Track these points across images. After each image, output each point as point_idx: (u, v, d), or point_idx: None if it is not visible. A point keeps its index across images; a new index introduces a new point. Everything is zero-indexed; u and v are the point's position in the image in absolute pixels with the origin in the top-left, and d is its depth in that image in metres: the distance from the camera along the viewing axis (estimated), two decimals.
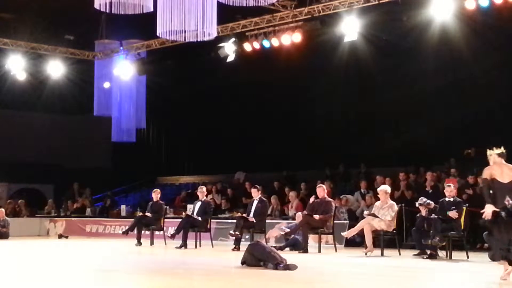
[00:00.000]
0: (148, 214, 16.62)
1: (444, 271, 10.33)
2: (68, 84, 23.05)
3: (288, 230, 14.80)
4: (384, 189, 13.54)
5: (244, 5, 11.78)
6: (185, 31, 11.71)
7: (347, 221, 16.27)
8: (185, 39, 12.44)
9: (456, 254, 12.39)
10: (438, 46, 17.65)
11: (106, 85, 22.98)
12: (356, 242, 15.41)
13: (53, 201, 23.90)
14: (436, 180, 16.14)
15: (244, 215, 15.23)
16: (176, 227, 15.95)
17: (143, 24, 15.37)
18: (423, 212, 12.92)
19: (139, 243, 16.06)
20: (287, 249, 14.50)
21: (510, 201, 8.29)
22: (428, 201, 12.93)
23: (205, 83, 23.40)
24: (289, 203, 17.98)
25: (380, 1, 16.31)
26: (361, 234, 13.56)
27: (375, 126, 20.97)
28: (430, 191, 15.20)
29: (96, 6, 11.55)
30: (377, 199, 13.98)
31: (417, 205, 13.09)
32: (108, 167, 27.49)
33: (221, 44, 18.90)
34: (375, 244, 13.29)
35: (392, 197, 14.31)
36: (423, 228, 12.88)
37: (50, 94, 23.86)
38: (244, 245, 15.18)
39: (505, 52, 17.88)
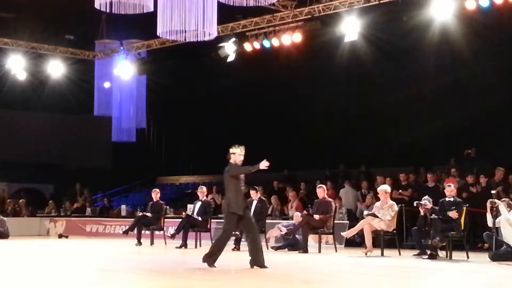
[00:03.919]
0: (148, 214, 16.63)
1: (444, 271, 10.32)
2: (68, 84, 23.06)
3: (286, 231, 14.83)
4: (384, 189, 13.53)
5: (245, 5, 11.78)
6: (185, 31, 11.71)
7: (347, 221, 16.29)
8: (185, 39, 12.44)
9: (456, 254, 12.39)
10: (438, 46, 17.65)
11: (106, 85, 22.99)
12: (356, 242, 15.41)
13: (53, 201, 23.91)
14: (436, 180, 16.14)
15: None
16: (176, 227, 15.96)
17: (143, 24, 15.38)
18: (422, 212, 12.95)
19: (139, 243, 16.05)
20: (286, 249, 14.52)
21: None
22: (425, 202, 12.90)
23: (205, 83, 23.41)
24: (289, 203, 17.98)
25: (380, 1, 16.32)
26: (361, 234, 13.56)
27: (375, 126, 20.97)
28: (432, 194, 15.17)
29: (96, 6, 11.55)
30: (378, 199, 13.98)
31: (415, 204, 13.11)
32: (108, 167, 27.51)
33: (221, 44, 18.89)
34: (375, 244, 13.29)
35: (392, 197, 14.31)
36: (423, 228, 12.88)
37: (50, 94, 23.86)
38: (244, 245, 15.21)
39: (505, 52, 17.89)
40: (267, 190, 19.47)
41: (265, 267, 10.02)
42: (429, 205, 12.75)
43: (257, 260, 10.12)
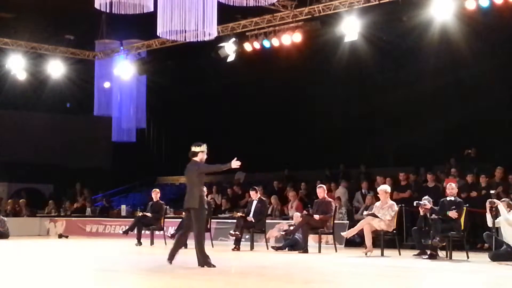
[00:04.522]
0: (148, 214, 16.63)
1: (444, 271, 10.32)
2: (68, 84, 23.05)
3: (288, 227, 14.87)
4: (384, 189, 13.54)
5: (245, 5, 11.78)
6: (185, 31, 11.71)
7: (347, 221, 16.29)
8: (185, 39, 12.45)
9: (456, 254, 12.39)
10: (438, 46, 17.65)
11: (106, 85, 22.98)
12: (356, 242, 15.41)
13: (53, 201, 23.90)
14: (436, 180, 16.14)
15: (242, 215, 15.30)
16: (176, 227, 15.95)
17: (143, 24, 15.38)
18: (422, 212, 12.97)
19: (139, 243, 16.05)
20: (286, 249, 14.52)
21: None
22: (424, 202, 12.89)
23: (205, 83, 23.41)
24: (289, 203, 17.98)
25: (380, 1, 16.32)
26: (361, 234, 13.56)
27: (375, 126, 20.97)
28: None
29: (96, 6, 11.56)
30: (378, 199, 13.98)
31: (415, 204, 13.13)
32: (108, 167, 27.50)
33: (221, 44, 18.89)
34: (375, 244, 13.29)
35: (392, 197, 14.31)
36: (423, 228, 12.88)
37: (50, 94, 23.86)
38: (244, 245, 15.23)
39: (505, 52, 17.89)
40: (267, 190, 19.47)
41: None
42: (429, 205, 12.75)
43: (174, 256, 10.50)
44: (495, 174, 15.46)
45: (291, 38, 17.86)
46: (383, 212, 13.18)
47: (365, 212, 13.76)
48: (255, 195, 15.41)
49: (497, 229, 12.11)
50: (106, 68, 22.90)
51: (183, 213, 15.73)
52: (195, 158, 10.48)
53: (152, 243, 16.26)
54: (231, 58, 18.99)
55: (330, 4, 17.20)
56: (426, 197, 13.23)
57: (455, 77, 18.85)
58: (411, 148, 19.25)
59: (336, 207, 14.69)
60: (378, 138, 20.32)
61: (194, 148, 10.56)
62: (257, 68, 20.64)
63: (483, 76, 18.26)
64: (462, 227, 12.38)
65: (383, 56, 19.25)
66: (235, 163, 10.28)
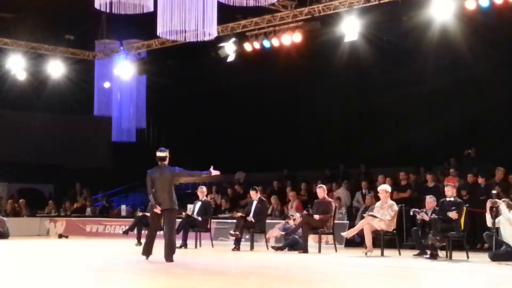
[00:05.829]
0: (148, 214, 16.61)
1: (444, 271, 10.32)
2: (68, 84, 23.05)
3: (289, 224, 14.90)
4: (384, 188, 13.54)
5: (245, 5, 11.78)
6: (185, 31, 11.72)
7: (347, 221, 16.29)
8: (185, 39, 12.45)
9: (456, 254, 12.39)
10: (438, 46, 17.64)
11: (106, 85, 22.98)
12: (356, 242, 15.41)
13: (53, 201, 23.91)
14: (437, 180, 16.14)
15: (242, 215, 15.31)
16: (176, 227, 15.93)
17: (143, 24, 15.39)
18: (419, 221, 12.99)
19: (139, 243, 16.04)
20: (286, 249, 14.52)
21: None
22: (422, 215, 12.83)
23: (205, 83, 23.40)
24: (289, 203, 17.98)
25: (380, 1, 16.32)
26: (361, 234, 13.56)
27: (375, 126, 20.96)
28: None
29: (96, 6, 11.56)
30: (378, 199, 13.98)
31: (411, 213, 13.14)
32: (108, 167, 27.50)
33: (221, 44, 18.90)
34: (375, 244, 13.29)
35: (392, 197, 14.31)
36: (423, 228, 12.88)
37: (50, 94, 23.86)
38: (244, 245, 15.24)
39: (505, 52, 17.88)
40: (267, 190, 19.47)
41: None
42: (427, 218, 12.66)
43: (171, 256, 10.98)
44: (495, 174, 15.47)
45: (291, 38, 17.86)
46: (383, 212, 13.19)
47: (366, 213, 13.75)
48: (255, 195, 15.41)
49: (497, 229, 12.11)
50: (106, 68, 22.90)
51: (183, 213, 15.73)
52: (164, 162, 11.26)
53: None
54: (231, 58, 19.00)
55: (330, 4, 17.20)
56: (431, 196, 13.20)
57: (455, 77, 18.83)
58: (411, 148, 19.23)
59: (336, 207, 14.69)
60: (378, 138, 20.31)
61: (160, 154, 11.33)
62: (257, 68, 20.64)
63: (483, 76, 18.25)
64: (462, 227, 12.38)
65: (383, 56, 19.23)
66: (215, 172, 11.36)
